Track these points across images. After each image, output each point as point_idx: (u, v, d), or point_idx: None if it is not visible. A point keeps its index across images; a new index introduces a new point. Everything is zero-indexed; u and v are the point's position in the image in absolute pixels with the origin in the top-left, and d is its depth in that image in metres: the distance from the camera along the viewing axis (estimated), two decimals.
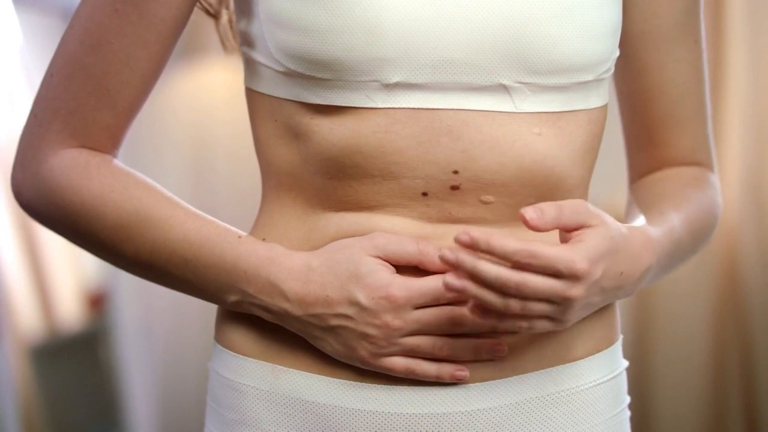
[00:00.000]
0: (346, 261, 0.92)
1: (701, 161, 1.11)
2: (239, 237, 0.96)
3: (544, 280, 0.86)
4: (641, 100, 1.09)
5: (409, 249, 0.92)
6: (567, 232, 0.90)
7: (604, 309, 1.01)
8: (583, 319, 0.98)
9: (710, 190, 1.09)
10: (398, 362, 0.92)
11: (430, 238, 0.93)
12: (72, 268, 3.55)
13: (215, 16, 1.09)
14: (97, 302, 3.60)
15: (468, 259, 0.86)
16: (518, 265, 0.86)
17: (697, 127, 1.10)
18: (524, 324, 0.88)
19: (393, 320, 0.91)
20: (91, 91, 0.98)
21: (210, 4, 1.07)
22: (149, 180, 0.99)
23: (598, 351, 1.00)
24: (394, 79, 0.91)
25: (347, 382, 0.95)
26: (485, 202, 0.94)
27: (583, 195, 1.01)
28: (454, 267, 0.87)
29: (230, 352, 1.00)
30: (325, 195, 0.96)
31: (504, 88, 0.92)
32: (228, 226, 0.97)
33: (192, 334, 3.00)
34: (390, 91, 0.92)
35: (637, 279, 0.95)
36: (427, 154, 0.92)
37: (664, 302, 2.69)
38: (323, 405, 0.95)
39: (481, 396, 0.95)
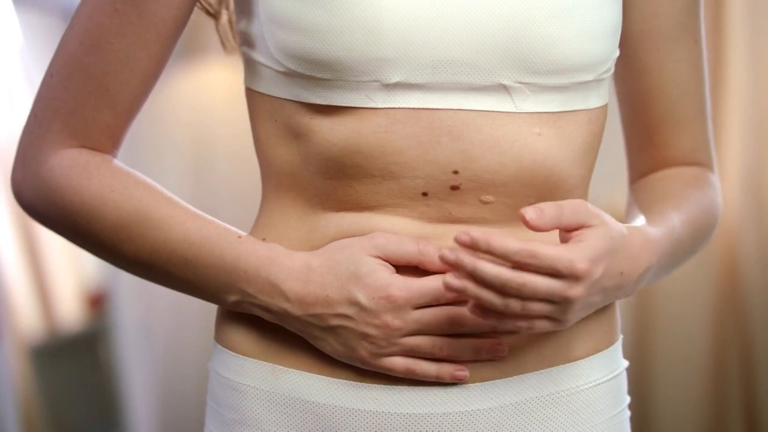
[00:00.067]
0: (346, 261, 0.92)
1: (701, 161, 1.11)
2: (239, 237, 0.96)
3: (544, 280, 0.86)
4: (641, 100, 1.09)
5: (409, 249, 0.92)
6: (567, 232, 0.90)
7: (604, 309, 1.01)
8: (583, 319, 0.98)
9: (710, 190, 1.09)
10: (398, 362, 0.92)
11: (430, 238, 0.93)
12: (72, 268, 3.55)
13: (215, 16, 1.09)
14: (97, 302, 3.60)
15: (468, 259, 0.86)
16: (518, 265, 0.86)
17: (697, 127, 1.10)
18: (524, 324, 0.88)
19: (393, 320, 0.91)
20: (91, 91, 0.98)
21: (210, 5, 1.07)
22: (149, 180, 0.99)
23: (598, 351, 1.00)
24: (394, 79, 0.91)
25: (347, 382, 0.95)
26: (485, 202, 0.94)
27: (583, 195, 1.01)
28: (454, 267, 0.87)
29: (230, 352, 1.00)
30: (325, 195, 0.96)
31: (504, 88, 0.92)
32: (228, 226, 0.97)
33: (192, 334, 3.00)
34: (390, 91, 0.92)
35: (637, 279, 0.95)
36: (427, 154, 0.92)
37: (664, 302, 2.69)
38: (323, 405, 0.95)
39: (481, 396, 0.95)
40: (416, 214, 0.94)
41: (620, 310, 1.05)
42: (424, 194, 0.93)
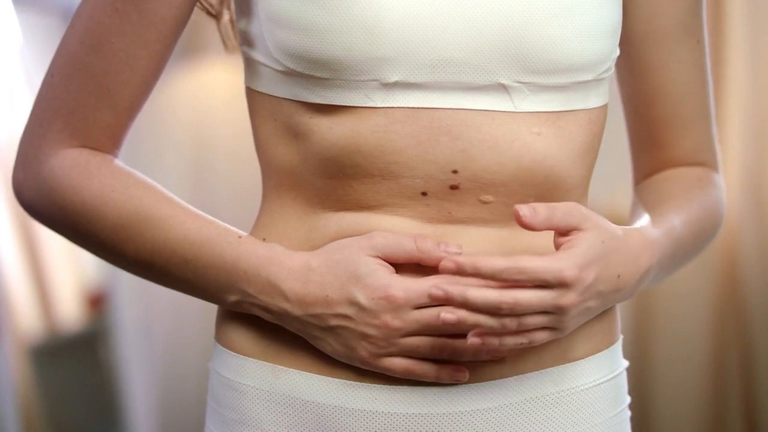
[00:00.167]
0: (345, 261, 0.92)
1: (705, 161, 1.11)
2: (239, 237, 0.96)
3: (535, 293, 0.87)
4: (644, 100, 1.09)
5: (407, 247, 0.92)
6: (560, 236, 0.91)
7: (605, 310, 1.01)
8: None
9: (714, 190, 1.09)
10: (398, 363, 0.92)
11: (429, 238, 0.93)
12: (72, 268, 3.54)
13: (216, 16, 1.09)
14: (97, 302, 3.59)
15: (456, 291, 0.87)
16: (507, 282, 0.86)
17: (700, 127, 1.10)
18: (524, 340, 0.89)
19: (392, 320, 0.91)
20: (92, 91, 0.98)
21: (211, 5, 1.07)
22: (150, 180, 0.99)
23: (599, 351, 1.00)
24: (393, 78, 0.91)
25: (347, 382, 0.95)
26: (484, 202, 0.94)
27: (583, 195, 1.01)
28: (446, 302, 0.87)
29: (230, 352, 1.00)
30: (325, 195, 0.96)
31: (503, 88, 0.92)
32: (228, 226, 0.97)
33: (192, 334, 3.00)
34: (389, 91, 0.92)
35: (637, 281, 0.95)
36: (426, 154, 0.92)
37: (664, 302, 2.69)
38: (323, 405, 0.95)
39: (481, 396, 0.95)
40: (416, 214, 0.94)
41: (620, 311, 1.05)
42: (424, 194, 0.93)
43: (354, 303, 0.91)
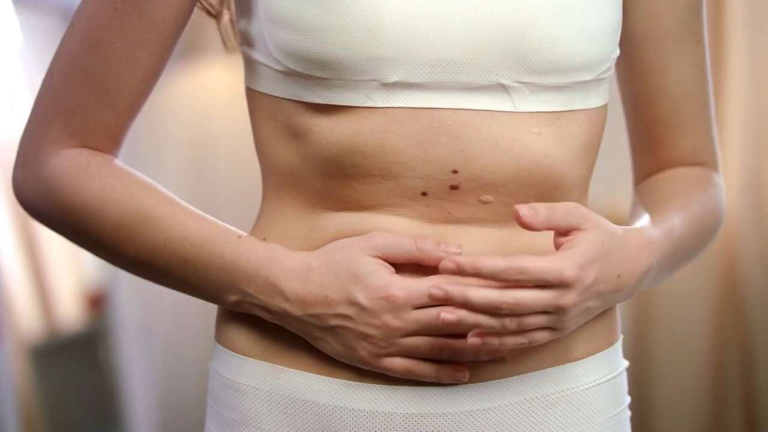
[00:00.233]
0: (345, 261, 0.92)
1: (705, 161, 1.11)
2: (239, 237, 0.96)
3: (534, 293, 0.87)
4: (644, 100, 1.09)
5: (407, 247, 0.92)
6: (560, 236, 0.91)
7: (604, 310, 1.01)
8: None
9: (713, 190, 1.09)
10: (398, 363, 0.92)
11: (429, 237, 0.93)
12: (72, 268, 3.54)
13: (216, 16, 1.09)
14: (97, 302, 3.59)
15: (457, 291, 0.87)
16: (508, 283, 0.86)
17: (700, 127, 1.10)
18: (524, 340, 0.89)
19: (392, 320, 0.91)
20: (92, 91, 0.98)
21: (211, 5, 1.07)
22: (150, 180, 0.99)
23: (598, 351, 1.00)
24: (393, 78, 0.91)
25: (347, 382, 0.95)
26: (484, 202, 0.94)
27: (583, 195, 1.01)
28: (446, 302, 0.87)
29: (230, 352, 1.00)
30: (325, 195, 0.96)
31: (503, 88, 0.92)
32: (228, 226, 0.97)
33: (192, 334, 3.00)
34: (389, 91, 0.92)
35: (637, 281, 0.95)
36: (426, 154, 0.92)
37: (664, 302, 2.69)
38: (323, 405, 0.95)
39: (481, 396, 0.95)
40: (416, 214, 0.94)
41: (620, 311, 1.05)
42: (424, 194, 0.93)
43: (354, 303, 0.91)
